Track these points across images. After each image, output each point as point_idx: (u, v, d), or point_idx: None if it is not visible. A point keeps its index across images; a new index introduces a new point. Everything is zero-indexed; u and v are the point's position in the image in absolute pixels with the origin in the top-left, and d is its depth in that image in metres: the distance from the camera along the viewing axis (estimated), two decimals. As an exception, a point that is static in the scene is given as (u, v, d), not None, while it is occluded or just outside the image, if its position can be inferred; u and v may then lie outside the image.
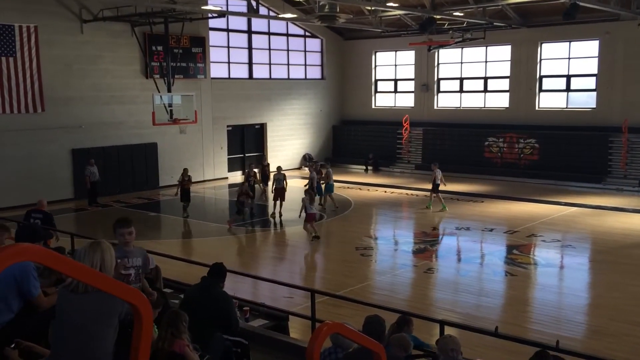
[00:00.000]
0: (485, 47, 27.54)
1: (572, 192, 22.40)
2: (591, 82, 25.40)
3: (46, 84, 20.71)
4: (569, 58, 25.84)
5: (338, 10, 21.64)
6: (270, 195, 20.16)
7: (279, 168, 20.25)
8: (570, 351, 6.75)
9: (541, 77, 26.55)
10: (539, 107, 26.65)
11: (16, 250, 1.92)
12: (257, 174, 21.36)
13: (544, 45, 26.31)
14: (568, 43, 25.72)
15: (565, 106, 26.22)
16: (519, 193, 22.71)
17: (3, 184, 19.91)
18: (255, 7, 23.61)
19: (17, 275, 4.50)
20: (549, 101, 26.63)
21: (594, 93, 25.26)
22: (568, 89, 26.13)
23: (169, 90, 22.44)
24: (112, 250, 3.76)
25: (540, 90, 26.62)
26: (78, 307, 3.53)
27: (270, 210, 19.68)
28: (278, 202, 19.14)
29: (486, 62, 27.99)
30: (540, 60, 26.40)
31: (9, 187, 19.89)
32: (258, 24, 28.46)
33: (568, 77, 25.99)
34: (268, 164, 23.86)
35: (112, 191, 22.36)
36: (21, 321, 4.52)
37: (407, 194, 23.30)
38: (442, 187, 19.96)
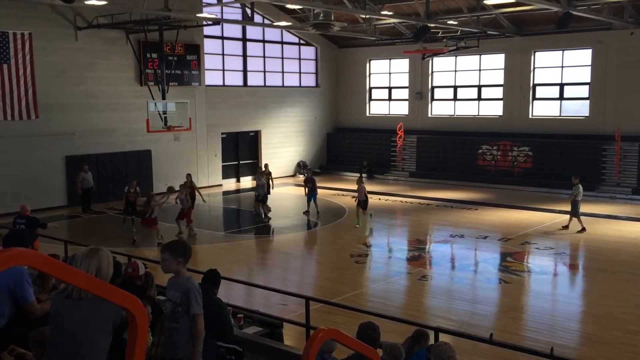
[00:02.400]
0: (479, 56, 27.67)
1: (565, 200, 22.45)
2: (584, 91, 25.54)
3: (40, 91, 20.63)
4: (562, 67, 26.00)
5: (332, 18, 21.72)
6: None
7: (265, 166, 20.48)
8: (564, 359, 6.75)
9: (535, 86, 26.69)
10: (532, 115, 26.76)
11: (12, 254, 1.91)
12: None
13: (537, 53, 26.46)
14: (561, 52, 25.88)
15: (558, 114, 26.35)
16: (512, 201, 22.78)
17: (-4, 190, 19.81)
18: (250, 15, 23.68)
19: (10, 281, 4.47)
20: (542, 109, 26.75)
21: (587, 102, 25.40)
22: (561, 98, 26.26)
23: (164, 98, 22.42)
24: (110, 258, 3.74)
25: (534, 98, 26.75)
26: (72, 313, 3.51)
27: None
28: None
29: (480, 70, 28.12)
30: (534, 68, 26.54)
31: (1, 193, 19.79)
32: (253, 31, 28.51)
33: (561, 86, 26.14)
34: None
35: (105, 198, 22.28)
36: (14, 327, 4.49)
37: (401, 201, 23.32)
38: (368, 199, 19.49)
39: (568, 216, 18.44)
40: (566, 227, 18.18)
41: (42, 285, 5.26)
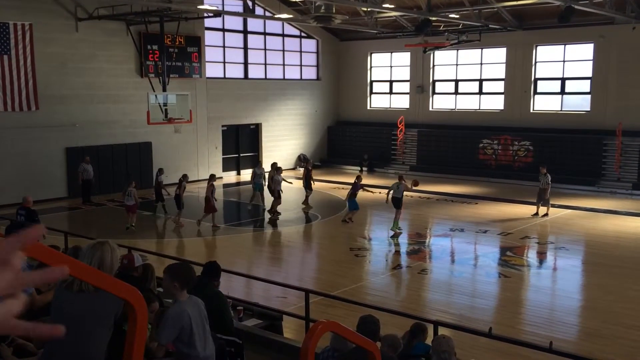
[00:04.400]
0: (480, 49, 27.60)
1: (565, 194, 22.45)
2: (586, 85, 25.49)
3: (41, 82, 20.64)
4: (564, 61, 25.93)
5: (334, 11, 21.65)
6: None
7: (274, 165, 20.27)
8: (563, 352, 6.77)
9: (536, 80, 26.63)
10: (533, 110, 26.72)
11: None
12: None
13: (539, 47, 26.40)
14: (563, 46, 25.82)
15: (559, 109, 26.30)
16: (513, 195, 22.76)
17: (-4, 182, 19.82)
18: (251, 7, 23.62)
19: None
20: (543, 104, 26.71)
21: (589, 96, 25.35)
22: (563, 92, 26.22)
23: (164, 90, 22.39)
24: (115, 251, 3.74)
25: (535, 92, 26.70)
26: (73, 305, 3.52)
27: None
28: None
29: (481, 64, 28.05)
30: (535, 62, 26.48)
31: (2, 185, 19.80)
32: (254, 24, 28.44)
33: (563, 80, 26.08)
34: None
35: (106, 190, 22.28)
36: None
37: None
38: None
39: (565, 210, 18.46)
40: (536, 214, 19.31)
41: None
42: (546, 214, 19.23)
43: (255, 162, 29.06)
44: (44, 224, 11.89)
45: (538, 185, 19.58)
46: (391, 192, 17.52)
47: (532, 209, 20.19)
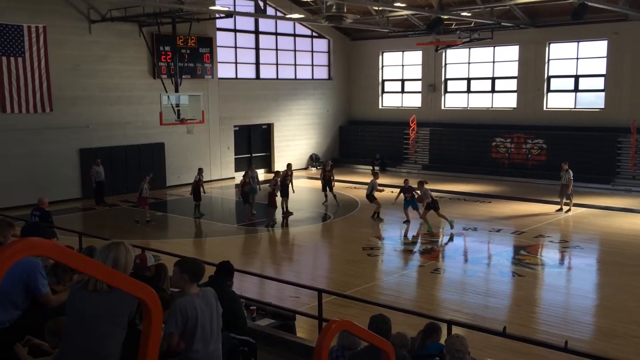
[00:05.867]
0: (493, 48, 27.46)
1: (580, 192, 22.27)
2: (599, 83, 25.29)
3: (54, 84, 20.82)
4: (577, 58, 25.74)
5: (345, 10, 21.63)
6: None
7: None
8: (579, 352, 6.71)
9: (549, 78, 26.46)
10: (546, 108, 26.55)
11: (28, 244, 1.92)
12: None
13: (552, 45, 26.22)
14: (576, 43, 25.62)
15: (573, 106, 26.11)
16: (526, 194, 22.64)
17: (11, 183, 20.00)
18: (262, 8, 23.63)
19: (24, 272, 4.49)
20: (557, 101, 26.53)
21: (603, 93, 25.15)
22: (576, 90, 26.02)
23: (177, 91, 22.49)
24: (130, 252, 3.76)
25: (548, 90, 26.53)
26: (88, 304, 3.54)
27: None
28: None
29: (494, 62, 27.91)
30: (548, 60, 26.31)
31: (17, 186, 19.98)
32: (265, 24, 28.48)
33: (576, 78, 25.89)
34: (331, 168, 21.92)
35: (119, 190, 22.41)
36: (29, 318, 4.52)
37: (414, 194, 23.17)
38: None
39: (580, 209, 18.35)
40: (560, 210, 19.52)
41: (61, 276, 5.28)
42: (569, 210, 19.40)
43: (267, 162, 29.13)
44: (58, 222, 12.01)
45: (554, 182, 19.60)
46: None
47: (546, 207, 20.10)
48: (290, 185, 19.45)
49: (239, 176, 27.41)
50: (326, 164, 22.10)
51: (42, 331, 4.22)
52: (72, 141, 21.80)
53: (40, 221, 11.50)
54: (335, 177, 21.98)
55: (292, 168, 20.24)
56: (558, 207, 19.69)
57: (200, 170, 19.70)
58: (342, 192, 22.80)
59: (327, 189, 21.08)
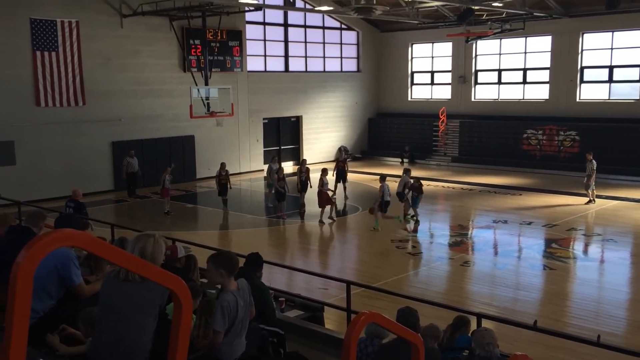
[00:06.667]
0: (524, 38, 27.05)
1: (613, 185, 21.89)
2: (635, 73, 24.75)
3: (87, 78, 21.17)
4: (612, 48, 25.21)
5: (374, 2, 21.50)
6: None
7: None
8: (611, 346, 6.62)
9: (582, 68, 25.97)
10: (580, 99, 26.08)
11: (62, 235, 1.97)
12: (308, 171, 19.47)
13: (585, 35, 25.72)
14: (611, 33, 25.09)
15: (607, 98, 25.61)
16: (558, 186, 22.31)
17: (46, 175, 20.41)
18: (291, 0, 23.65)
19: (57, 263, 4.59)
20: (590, 93, 26.04)
21: (638, 84, 24.61)
22: (611, 80, 25.51)
23: (206, 84, 22.65)
24: (159, 243, 3.79)
25: (582, 81, 26.05)
26: (120, 294, 3.60)
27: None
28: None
29: (525, 53, 27.50)
30: (582, 50, 25.82)
31: (51, 178, 20.39)
32: (294, 16, 28.48)
33: (610, 68, 25.37)
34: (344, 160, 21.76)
35: (150, 183, 22.68)
36: (64, 308, 4.62)
37: (443, 186, 23.09)
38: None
39: (613, 201, 18.01)
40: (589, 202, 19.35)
41: (94, 267, 5.38)
42: (589, 201, 19.35)
43: (296, 154, 29.12)
44: (91, 216, 12.21)
45: (584, 175, 19.26)
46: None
47: (578, 199, 19.81)
48: (307, 180, 18.99)
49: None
50: (341, 152, 21.52)
51: (76, 320, 4.31)
52: (104, 134, 22.15)
53: (74, 212, 11.70)
54: (365, 170, 21.85)
55: (320, 161, 19.94)
56: (587, 199, 19.44)
57: (222, 165, 19.35)
58: (369, 185, 22.76)
59: (341, 180, 20.51)
